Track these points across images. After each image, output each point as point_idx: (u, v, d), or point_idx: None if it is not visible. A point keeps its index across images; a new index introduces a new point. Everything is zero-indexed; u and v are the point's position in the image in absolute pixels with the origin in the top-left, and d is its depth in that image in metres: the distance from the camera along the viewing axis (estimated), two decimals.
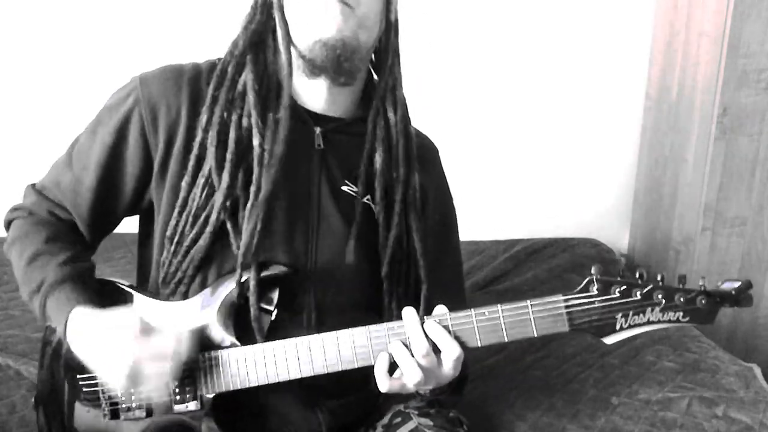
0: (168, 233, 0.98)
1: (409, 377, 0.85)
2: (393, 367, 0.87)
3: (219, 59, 0.99)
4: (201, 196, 0.95)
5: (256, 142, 0.94)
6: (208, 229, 0.95)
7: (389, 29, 1.01)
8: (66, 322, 0.92)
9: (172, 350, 0.87)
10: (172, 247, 0.98)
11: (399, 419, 1.06)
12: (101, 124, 1.00)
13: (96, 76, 1.91)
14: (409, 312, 0.86)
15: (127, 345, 0.86)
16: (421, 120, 1.10)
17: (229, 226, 0.95)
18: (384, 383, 0.87)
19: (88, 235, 1.05)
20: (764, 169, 1.86)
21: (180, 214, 0.97)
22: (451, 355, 0.85)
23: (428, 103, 2.00)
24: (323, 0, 0.91)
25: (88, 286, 0.98)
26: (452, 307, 0.87)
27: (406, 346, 0.85)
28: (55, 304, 0.95)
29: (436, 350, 0.85)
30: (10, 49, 1.99)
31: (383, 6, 0.98)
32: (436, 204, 1.10)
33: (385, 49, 1.02)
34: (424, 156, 1.07)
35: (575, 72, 2.13)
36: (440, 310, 0.87)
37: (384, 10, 0.99)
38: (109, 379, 0.90)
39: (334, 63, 0.93)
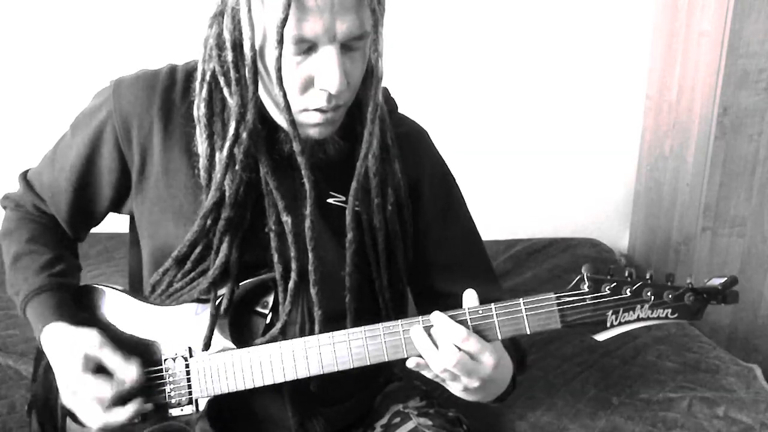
0: (151, 281, 0.99)
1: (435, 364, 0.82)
2: None
3: (195, 67, 0.92)
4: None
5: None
6: (199, 288, 0.95)
7: (377, 85, 0.90)
8: (40, 337, 0.97)
9: (107, 394, 0.91)
10: (163, 287, 0.99)
11: (398, 419, 1.06)
12: (79, 128, 1.00)
13: (95, 62, 1.91)
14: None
15: (68, 381, 0.93)
16: (421, 121, 1.10)
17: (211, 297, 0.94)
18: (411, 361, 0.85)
19: (69, 230, 1.07)
20: (764, 169, 1.86)
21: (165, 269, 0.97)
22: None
23: (429, 103, 2.00)
24: (306, 116, 0.86)
25: (63, 295, 1.00)
26: (485, 290, 0.86)
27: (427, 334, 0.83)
28: (32, 314, 0.99)
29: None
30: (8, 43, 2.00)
31: (364, 69, 0.87)
32: (433, 191, 1.04)
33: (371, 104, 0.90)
34: (408, 146, 1.01)
35: (575, 72, 2.12)
36: (470, 295, 0.86)
37: (365, 70, 0.88)
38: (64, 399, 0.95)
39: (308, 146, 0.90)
